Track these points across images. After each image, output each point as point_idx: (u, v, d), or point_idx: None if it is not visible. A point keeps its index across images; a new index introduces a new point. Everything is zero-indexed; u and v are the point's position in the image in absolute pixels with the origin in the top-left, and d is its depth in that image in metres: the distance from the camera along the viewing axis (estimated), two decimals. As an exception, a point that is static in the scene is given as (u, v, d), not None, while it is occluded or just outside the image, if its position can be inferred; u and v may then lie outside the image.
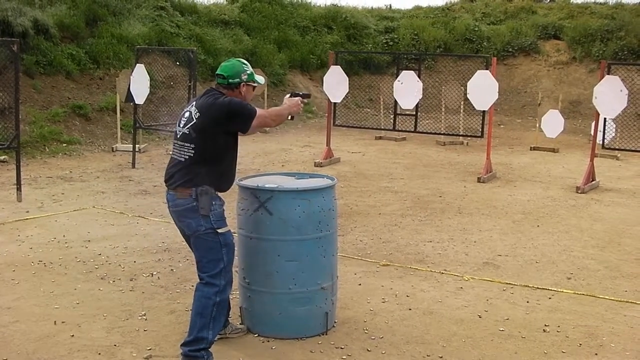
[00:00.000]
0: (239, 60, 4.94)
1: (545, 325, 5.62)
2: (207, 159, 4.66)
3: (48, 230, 8.20)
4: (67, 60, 15.68)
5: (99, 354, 4.94)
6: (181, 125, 4.73)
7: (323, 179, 5.50)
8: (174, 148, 4.82)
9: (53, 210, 9.21)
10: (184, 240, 5.04)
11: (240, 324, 5.39)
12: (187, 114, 4.74)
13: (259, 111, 4.76)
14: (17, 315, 5.62)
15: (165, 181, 4.82)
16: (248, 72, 4.86)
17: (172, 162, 4.78)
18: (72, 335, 5.24)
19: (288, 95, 5.11)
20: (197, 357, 4.62)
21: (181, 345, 4.67)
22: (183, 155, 4.67)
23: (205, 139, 4.62)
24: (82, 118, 14.88)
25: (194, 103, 4.79)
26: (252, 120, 4.70)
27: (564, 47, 22.63)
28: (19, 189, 9.61)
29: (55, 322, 5.48)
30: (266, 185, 5.17)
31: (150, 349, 5.00)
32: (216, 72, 4.90)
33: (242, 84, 4.84)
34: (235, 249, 4.90)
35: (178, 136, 4.75)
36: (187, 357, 4.62)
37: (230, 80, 4.81)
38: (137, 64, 12.51)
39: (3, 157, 12.14)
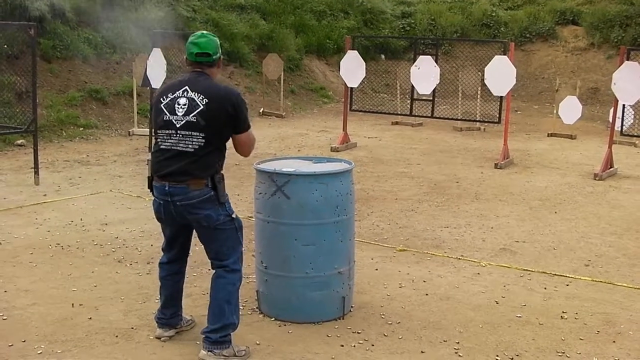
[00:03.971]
0: (209, 34, 4.68)
1: (563, 312, 5.60)
2: (218, 146, 4.53)
3: (65, 213, 8.23)
4: (84, 45, 15.67)
5: (117, 336, 4.97)
6: (180, 114, 4.45)
7: (340, 163, 5.48)
8: (169, 138, 4.50)
9: (70, 193, 9.25)
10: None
11: (256, 307, 5.41)
12: (182, 101, 4.47)
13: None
14: (36, 297, 5.66)
15: (166, 175, 4.52)
16: (219, 43, 4.71)
17: (172, 154, 4.49)
18: (90, 318, 5.27)
19: None
20: (225, 342, 4.62)
21: (208, 333, 4.62)
22: (190, 146, 4.43)
23: (216, 125, 4.46)
24: (99, 102, 14.89)
25: (188, 88, 4.51)
26: (247, 125, 4.61)
27: (582, 33, 22.42)
28: (36, 172, 9.66)
29: (73, 304, 5.51)
30: (283, 169, 5.15)
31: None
32: (195, 52, 4.55)
33: (220, 57, 4.70)
34: (253, 232, 4.88)
35: (179, 125, 4.45)
36: (216, 344, 4.59)
37: (214, 57, 4.60)
38: (154, 49, 12.50)
39: (21, 140, 12.19)
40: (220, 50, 4.68)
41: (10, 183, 9.74)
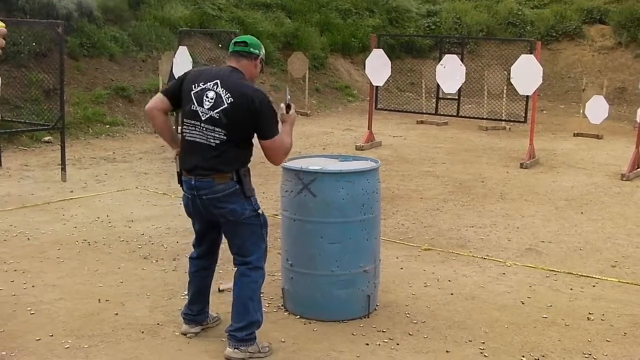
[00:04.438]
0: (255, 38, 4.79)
1: (590, 313, 5.55)
2: (239, 143, 4.51)
3: (92, 210, 8.30)
4: (111, 43, 15.78)
5: (143, 332, 5.00)
6: (206, 107, 4.46)
7: (367, 162, 5.47)
8: (193, 129, 4.52)
9: (97, 190, 9.32)
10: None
11: (282, 305, 5.42)
12: (211, 94, 4.47)
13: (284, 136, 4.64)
14: (62, 292, 5.71)
15: (192, 169, 4.53)
16: (264, 50, 4.74)
17: (197, 147, 4.51)
18: (116, 314, 5.30)
19: (283, 108, 4.80)
20: (250, 339, 4.64)
21: (233, 331, 4.63)
22: (212, 140, 4.45)
23: (238, 124, 4.45)
24: (125, 100, 14.99)
25: (218, 82, 4.50)
26: (272, 132, 4.55)
27: (609, 32, 22.22)
28: (63, 169, 9.75)
29: (99, 300, 5.55)
30: (310, 167, 5.16)
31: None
32: (234, 41, 4.65)
33: (260, 57, 4.68)
34: (278, 230, 4.89)
35: (203, 118, 4.47)
36: (242, 341, 4.60)
37: (251, 49, 4.61)
38: (180, 46, 12.57)
39: (48, 137, 12.30)
40: (261, 51, 4.68)
41: (37, 179, 9.83)
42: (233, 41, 4.67)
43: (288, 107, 4.79)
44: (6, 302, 5.47)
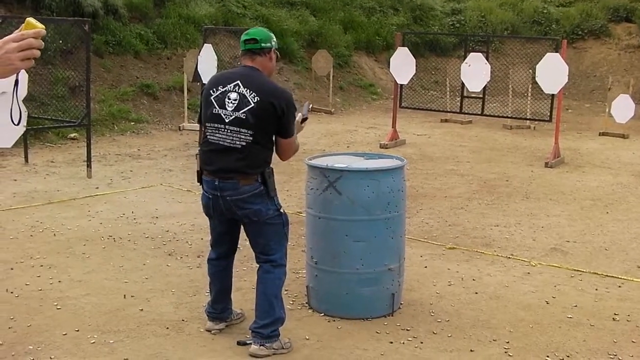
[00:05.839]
0: (264, 28, 4.75)
1: (615, 313, 5.51)
2: (265, 144, 4.52)
3: (117, 206, 8.35)
4: (136, 40, 15.86)
5: (167, 328, 5.03)
6: (230, 109, 4.45)
7: (392, 160, 5.47)
8: (217, 132, 4.51)
9: (122, 187, 9.38)
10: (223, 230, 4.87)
11: (306, 302, 5.43)
12: (233, 95, 4.47)
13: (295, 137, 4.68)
14: (88, 288, 5.76)
15: (215, 171, 4.53)
16: (274, 39, 4.69)
17: (220, 149, 4.50)
18: (142, 310, 5.34)
19: (300, 118, 4.85)
20: (275, 336, 4.65)
21: (259, 328, 4.63)
22: (238, 142, 4.44)
23: (265, 123, 4.46)
24: (150, 97, 15.07)
25: (239, 83, 4.49)
26: (291, 132, 4.61)
27: (636, 30, 22.02)
28: (89, 165, 9.81)
29: (124, 296, 5.60)
30: (335, 165, 5.16)
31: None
32: (244, 39, 4.58)
33: (273, 49, 4.64)
34: (302, 228, 4.89)
35: (227, 120, 4.46)
36: (267, 339, 4.61)
37: (262, 45, 4.55)
38: (205, 44, 12.61)
39: (74, 134, 12.38)
40: (272, 43, 4.63)
41: (63, 175, 9.91)
42: (242, 39, 4.61)
43: (304, 119, 4.88)
44: (33, 297, 5.52)
